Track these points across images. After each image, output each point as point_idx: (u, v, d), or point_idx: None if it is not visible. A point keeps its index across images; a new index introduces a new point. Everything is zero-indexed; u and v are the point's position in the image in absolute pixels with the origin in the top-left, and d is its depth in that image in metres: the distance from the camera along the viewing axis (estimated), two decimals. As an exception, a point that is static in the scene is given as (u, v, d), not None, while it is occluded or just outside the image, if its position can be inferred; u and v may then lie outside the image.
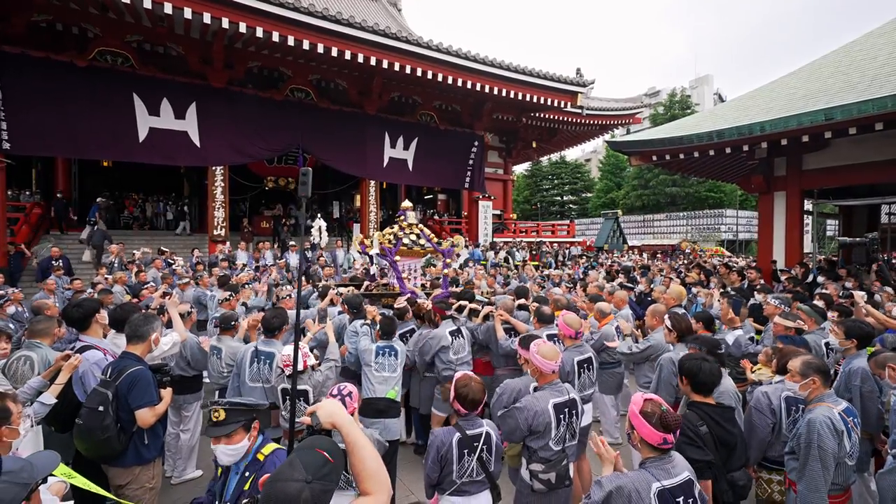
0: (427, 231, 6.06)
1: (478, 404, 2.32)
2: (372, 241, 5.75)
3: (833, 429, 2.21)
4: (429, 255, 6.32)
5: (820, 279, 6.90)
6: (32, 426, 2.36)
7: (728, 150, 8.51)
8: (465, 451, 2.29)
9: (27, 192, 12.71)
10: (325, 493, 1.15)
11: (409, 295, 5.03)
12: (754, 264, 10.11)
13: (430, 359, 4.03)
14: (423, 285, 6.24)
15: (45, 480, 1.62)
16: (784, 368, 2.60)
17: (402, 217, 6.02)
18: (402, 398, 4.34)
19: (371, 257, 5.87)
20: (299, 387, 2.96)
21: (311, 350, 3.29)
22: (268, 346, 3.51)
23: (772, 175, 9.53)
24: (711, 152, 8.69)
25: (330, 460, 1.20)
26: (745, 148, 8.37)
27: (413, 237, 5.77)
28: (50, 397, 2.46)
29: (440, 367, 4.01)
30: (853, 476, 2.37)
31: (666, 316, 3.58)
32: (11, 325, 5.24)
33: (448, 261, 6.18)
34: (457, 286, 6.55)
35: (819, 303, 4.93)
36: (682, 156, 9.22)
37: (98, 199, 12.05)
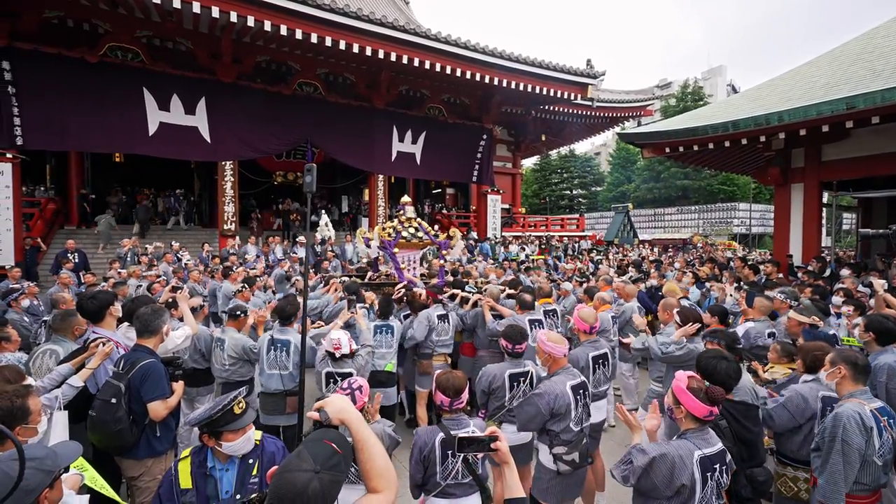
0: (425, 224, 6.43)
1: (460, 391, 2.26)
2: (373, 235, 6.13)
3: (861, 425, 2.14)
4: (427, 247, 6.61)
5: (844, 272, 6.71)
6: (60, 408, 2.43)
7: (744, 142, 8.31)
8: (449, 451, 2.21)
9: (42, 188, 12.91)
10: (334, 483, 1.12)
11: (406, 283, 5.31)
12: (770, 258, 9.91)
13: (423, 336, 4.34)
14: (422, 275, 6.43)
15: (66, 469, 1.62)
16: (813, 367, 2.51)
17: (402, 212, 6.33)
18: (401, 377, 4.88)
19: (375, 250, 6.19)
20: (344, 369, 3.20)
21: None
22: (283, 335, 3.64)
23: (789, 167, 9.31)
24: (726, 143, 8.49)
25: (338, 451, 1.18)
26: (762, 139, 8.18)
27: (412, 230, 6.10)
28: (78, 380, 2.53)
29: (420, 345, 4.39)
30: (884, 477, 2.29)
31: (675, 311, 3.53)
32: (26, 318, 5.33)
33: (445, 252, 6.49)
34: (455, 276, 6.76)
35: (839, 298, 4.81)
36: (695, 147, 9.04)
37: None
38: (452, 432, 2.19)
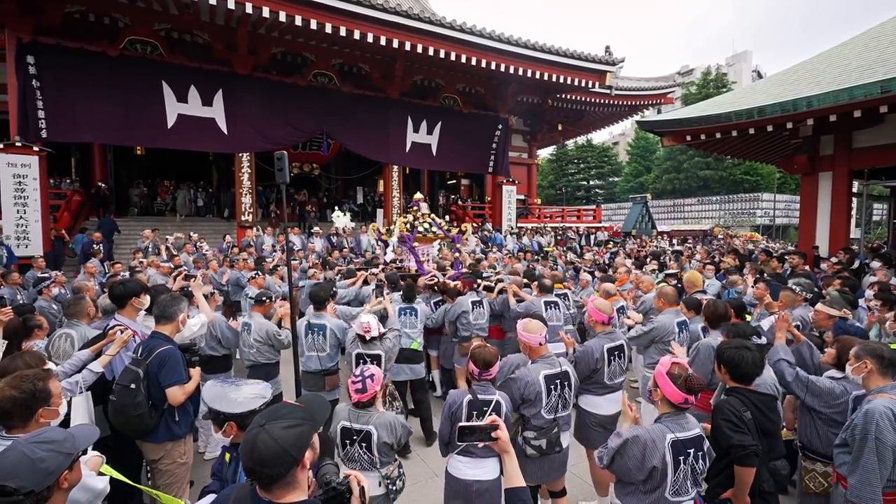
0: (438, 219, 6.86)
1: (489, 365, 2.47)
2: (388, 230, 6.61)
3: (894, 421, 2.04)
4: (439, 241, 7.01)
5: (875, 264, 6.43)
6: (82, 391, 2.52)
7: (769, 129, 8.00)
8: (475, 412, 2.43)
9: (67, 181, 13.29)
10: (290, 429, 1.17)
11: (433, 274, 5.61)
12: (793, 249, 9.59)
13: (455, 321, 4.79)
14: (436, 267, 6.68)
15: (84, 452, 1.66)
16: (845, 360, 2.41)
17: (416, 208, 6.71)
18: (435, 358, 5.42)
19: (386, 243, 6.63)
20: (374, 351, 3.43)
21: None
22: (318, 319, 3.91)
23: (817, 154, 8.94)
24: (751, 131, 8.18)
25: (296, 405, 1.25)
26: (789, 126, 7.84)
27: (426, 225, 6.49)
28: (98, 366, 2.61)
29: (460, 329, 4.79)
30: (913, 474, 2.19)
31: (703, 303, 3.43)
32: (54, 306, 5.51)
33: (458, 245, 6.93)
34: (473, 268, 7.15)
35: (872, 292, 4.61)
36: (718, 135, 8.74)
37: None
38: (480, 397, 2.44)
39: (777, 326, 2.98)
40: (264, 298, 4.06)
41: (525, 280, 5.63)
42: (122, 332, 2.67)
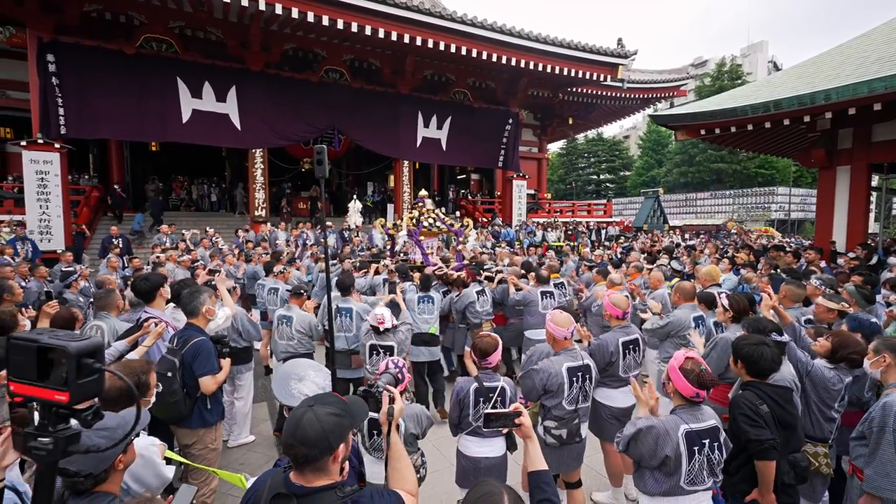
0: (441, 215, 7.34)
1: (486, 354, 2.59)
2: (395, 225, 7.13)
3: (912, 414, 2.07)
4: (442, 234, 7.50)
5: (892, 260, 6.36)
6: None
7: (786, 122, 7.90)
8: (481, 399, 2.58)
9: (86, 177, 13.56)
10: (332, 416, 1.24)
11: (436, 266, 5.95)
12: (807, 244, 9.49)
13: (462, 311, 5.19)
14: (441, 258, 7.02)
15: (137, 435, 1.77)
16: (839, 358, 2.46)
17: (421, 204, 7.17)
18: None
19: (392, 237, 7.11)
20: (386, 342, 3.60)
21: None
22: (345, 303, 4.32)
23: (835, 148, 8.81)
24: (767, 125, 8.10)
25: (343, 399, 1.33)
26: (806, 119, 7.74)
27: (431, 220, 6.97)
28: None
29: (469, 317, 5.21)
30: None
31: (723, 295, 3.44)
32: (81, 299, 5.68)
33: (461, 238, 7.37)
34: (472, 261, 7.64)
35: (885, 290, 4.57)
36: (733, 129, 8.66)
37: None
38: (485, 384, 2.59)
39: (762, 307, 3.02)
40: (302, 291, 4.25)
41: (522, 271, 6.03)
42: (156, 324, 2.78)
